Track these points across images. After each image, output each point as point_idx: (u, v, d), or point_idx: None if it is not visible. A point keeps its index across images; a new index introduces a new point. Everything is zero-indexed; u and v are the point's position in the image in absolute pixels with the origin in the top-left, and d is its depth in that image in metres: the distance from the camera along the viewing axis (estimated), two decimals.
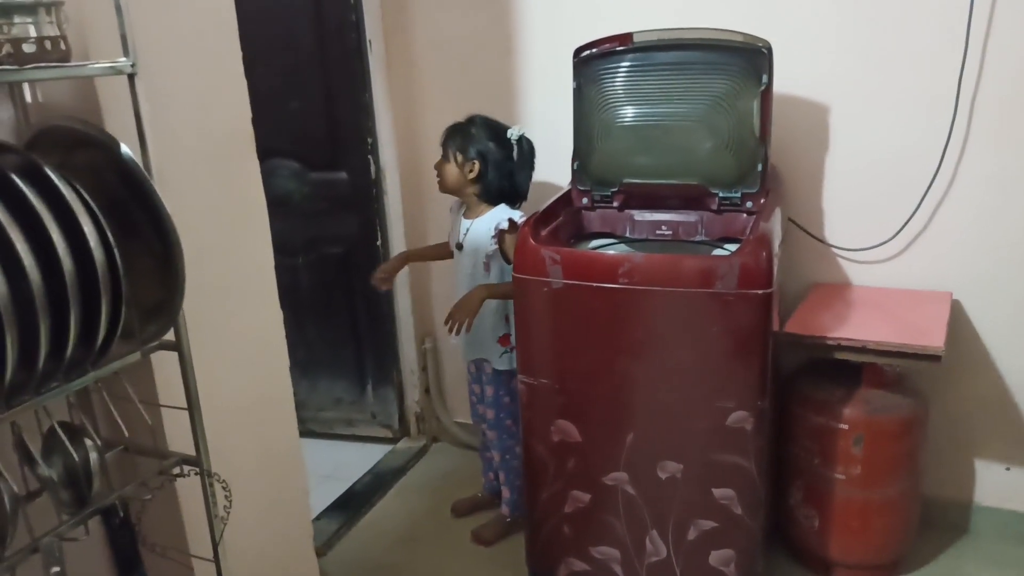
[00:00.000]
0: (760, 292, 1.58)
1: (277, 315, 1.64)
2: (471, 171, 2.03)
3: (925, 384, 1.97)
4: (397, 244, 2.55)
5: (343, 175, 2.53)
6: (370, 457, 2.63)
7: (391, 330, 2.62)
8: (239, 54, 1.51)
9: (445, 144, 2.07)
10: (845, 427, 1.84)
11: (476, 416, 2.27)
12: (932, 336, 1.72)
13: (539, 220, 1.85)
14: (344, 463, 2.60)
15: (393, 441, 2.72)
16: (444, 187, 2.09)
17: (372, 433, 2.73)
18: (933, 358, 1.68)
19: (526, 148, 2.07)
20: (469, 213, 2.08)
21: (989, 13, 1.82)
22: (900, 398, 1.87)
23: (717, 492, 1.72)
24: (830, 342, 1.78)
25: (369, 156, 2.47)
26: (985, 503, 2.11)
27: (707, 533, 1.76)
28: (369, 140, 2.46)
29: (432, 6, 2.36)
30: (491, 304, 2.04)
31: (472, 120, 2.07)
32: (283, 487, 1.68)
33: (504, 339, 2.08)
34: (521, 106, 2.31)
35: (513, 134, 2.04)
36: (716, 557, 1.77)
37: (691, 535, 1.77)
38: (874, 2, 1.91)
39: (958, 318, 1.98)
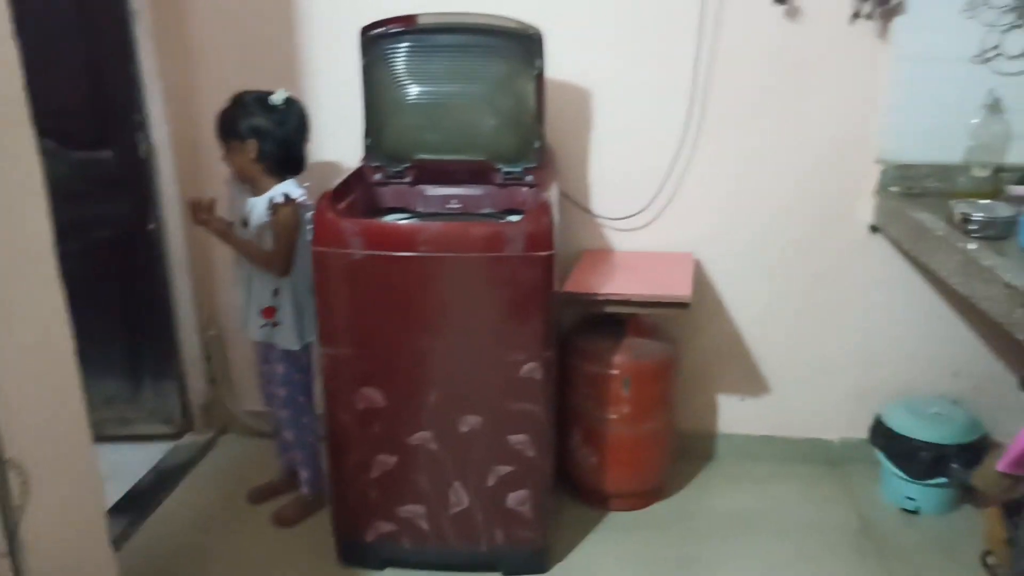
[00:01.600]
0: (543, 254, 1.77)
1: (59, 299, 1.53)
2: (252, 152, 1.98)
3: (676, 331, 2.31)
4: (173, 227, 2.43)
5: (109, 153, 2.36)
6: (151, 455, 2.48)
7: (170, 319, 2.49)
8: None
9: (219, 134, 2.01)
10: (616, 372, 2.10)
11: (267, 398, 2.24)
12: (681, 288, 2.03)
13: (335, 195, 1.89)
14: (121, 464, 2.41)
15: (176, 437, 2.58)
16: (241, 178, 2.04)
17: (151, 431, 2.57)
18: (683, 305, 1.98)
19: (296, 111, 2.03)
20: (257, 191, 2.06)
21: (715, 21, 2.16)
22: (658, 344, 2.18)
23: (512, 439, 1.89)
24: (600, 298, 2.02)
25: (138, 133, 2.33)
26: (725, 431, 2.51)
27: (504, 477, 1.92)
28: (138, 116, 2.32)
29: None
30: (260, 277, 2.04)
31: (236, 100, 2.01)
32: (74, 477, 1.57)
33: (268, 311, 2.06)
34: (308, 81, 2.31)
35: (277, 99, 1.99)
36: (513, 499, 1.94)
37: (490, 481, 1.92)
38: (626, 5, 2.18)
39: (698, 273, 2.33)
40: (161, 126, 2.36)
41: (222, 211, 2.11)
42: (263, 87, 2.03)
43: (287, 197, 1.99)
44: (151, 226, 2.41)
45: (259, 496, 2.29)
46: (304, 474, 2.22)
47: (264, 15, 2.30)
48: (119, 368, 2.54)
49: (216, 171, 2.38)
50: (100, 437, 2.55)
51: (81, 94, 2.30)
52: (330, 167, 2.30)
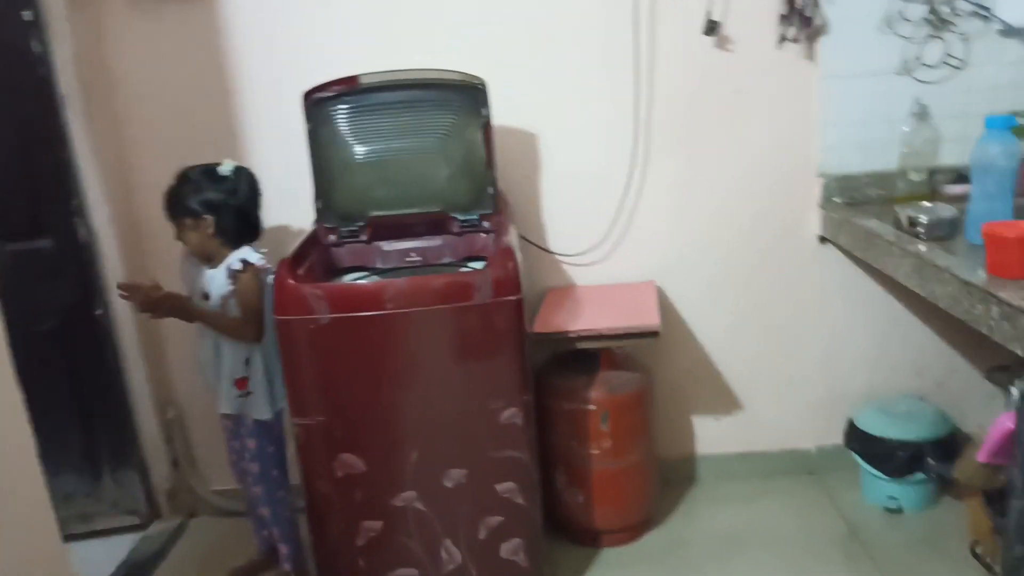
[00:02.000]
0: (512, 298, 1.76)
1: (16, 397, 1.45)
2: (209, 227, 1.94)
3: (648, 360, 2.32)
4: (121, 310, 2.34)
5: (47, 242, 2.28)
6: (118, 550, 2.36)
7: (125, 405, 2.39)
8: None
9: (170, 215, 1.96)
10: (593, 408, 2.09)
11: (239, 475, 2.16)
12: (649, 317, 2.05)
13: (293, 260, 1.85)
14: (88, 562, 2.28)
15: (142, 527, 2.46)
16: (200, 254, 1.99)
17: (115, 524, 2.44)
18: (653, 334, 2.00)
19: (246, 178, 2.00)
20: (214, 263, 2.00)
21: (650, 57, 2.22)
22: (632, 375, 2.18)
23: (499, 487, 1.86)
24: (572, 335, 2.02)
25: (76, 218, 2.26)
26: (703, 452, 2.52)
27: (495, 528, 1.88)
28: (75, 201, 2.25)
29: (133, 59, 2.25)
30: (229, 347, 1.98)
31: (183, 177, 1.96)
32: None
33: (241, 382, 2.00)
34: (249, 150, 2.28)
35: (225, 170, 1.96)
36: (506, 549, 1.90)
37: (481, 534, 1.88)
38: (563, 48, 2.23)
39: (662, 300, 2.35)
40: (100, 209, 2.28)
41: (178, 288, 2.05)
42: (203, 159, 2.00)
43: (245, 263, 1.95)
44: (98, 312, 2.32)
45: None
46: (284, 550, 2.14)
47: (198, 87, 2.27)
48: (76, 462, 2.42)
49: (163, 248, 2.33)
50: (62, 537, 2.45)
51: (13, 184, 2.22)
52: (282, 231, 2.26)
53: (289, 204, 2.18)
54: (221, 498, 2.52)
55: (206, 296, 1.98)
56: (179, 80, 2.27)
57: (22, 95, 2.18)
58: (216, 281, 1.97)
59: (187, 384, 2.46)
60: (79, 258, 2.28)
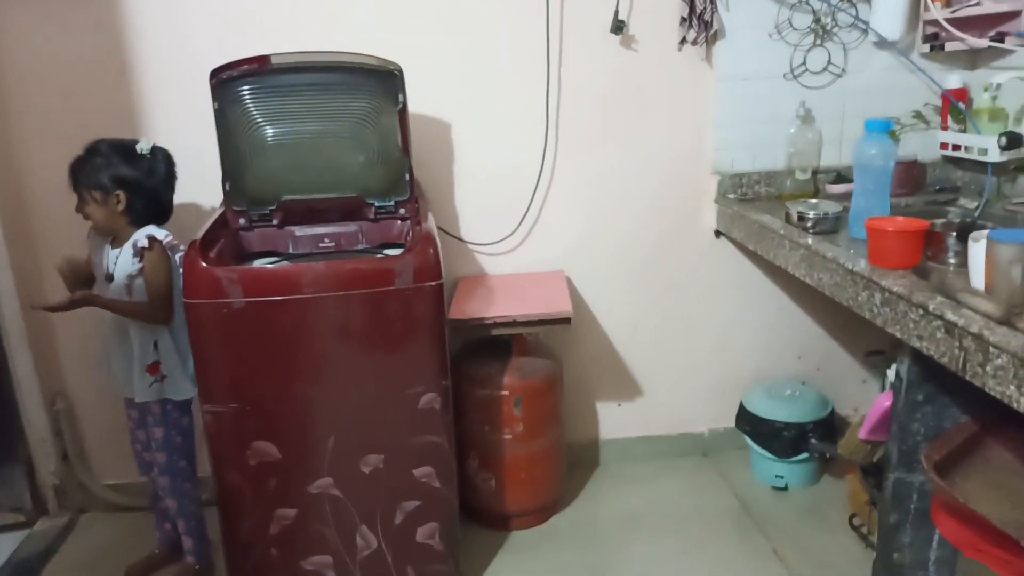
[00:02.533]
0: (433, 284, 1.78)
1: None
2: (118, 203, 1.87)
3: (557, 347, 2.39)
4: (7, 296, 2.20)
5: None
6: (1, 548, 2.22)
7: (10, 397, 2.24)
8: None
9: (76, 185, 1.87)
10: (506, 393, 2.14)
11: (143, 466, 2.08)
12: (561, 304, 2.11)
13: (203, 243, 1.80)
14: None
15: (27, 525, 2.32)
16: (103, 230, 1.91)
17: None
18: (566, 320, 2.07)
19: (163, 159, 1.95)
20: (117, 242, 1.92)
21: (559, 53, 2.29)
22: (543, 361, 2.25)
23: (417, 472, 1.87)
24: (488, 322, 2.06)
25: None
26: (607, 437, 2.63)
27: (411, 513, 1.90)
28: None
29: (18, 29, 2.11)
30: (137, 333, 1.92)
31: (96, 149, 1.89)
32: None
33: (153, 367, 1.93)
34: (146, 130, 2.19)
35: (143, 148, 1.91)
36: (422, 532, 1.92)
37: (398, 519, 1.89)
38: (475, 40, 2.25)
39: (571, 290, 2.43)
40: None
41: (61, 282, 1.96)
42: (95, 136, 1.92)
43: (152, 239, 1.88)
44: None
45: (140, 572, 2.12)
46: (188, 543, 2.07)
47: (90, 64, 2.15)
48: None
49: (51, 232, 2.22)
50: None
51: None
52: (185, 213, 2.18)
53: (192, 187, 2.11)
54: (114, 492, 2.41)
55: (110, 277, 1.90)
56: (69, 56, 2.14)
57: None
58: (122, 261, 1.89)
59: (78, 374, 2.33)
60: None
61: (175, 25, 2.16)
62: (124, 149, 1.89)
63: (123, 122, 2.18)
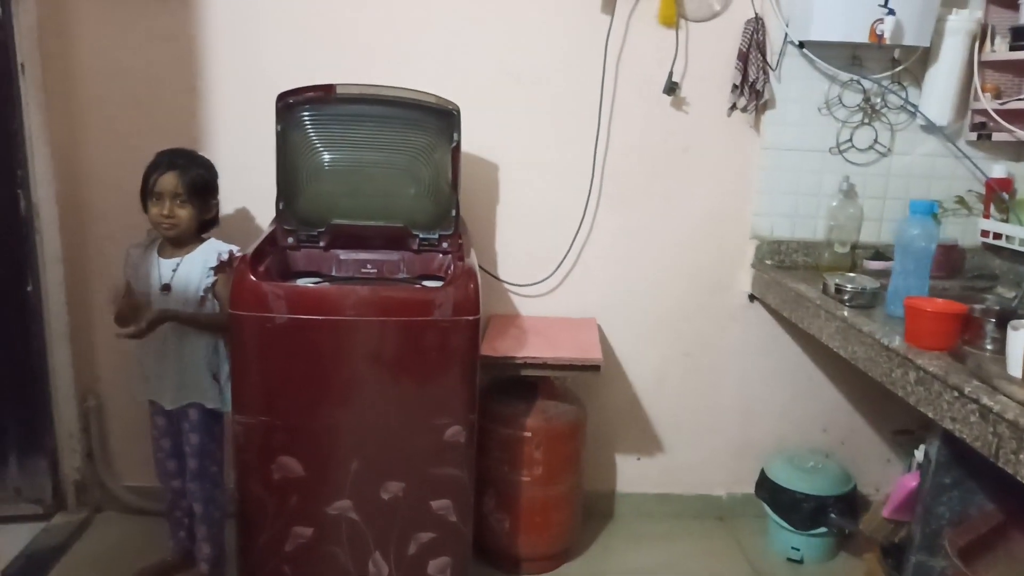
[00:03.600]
0: (470, 318, 1.81)
1: None
2: (209, 212, 1.99)
3: (582, 393, 2.40)
4: (54, 289, 2.26)
5: None
6: (18, 539, 2.24)
7: (44, 389, 2.29)
8: None
9: (188, 188, 1.93)
10: (529, 435, 2.15)
11: (164, 475, 2.10)
12: (592, 351, 2.14)
13: (253, 258, 1.85)
14: None
15: (46, 518, 2.35)
16: (179, 239, 1.97)
17: (16, 512, 2.32)
18: (595, 368, 2.08)
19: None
20: (170, 252, 1.98)
21: (611, 108, 2.35)
22: (567, 406, 2.26)
23: (435, 504, 1.88)
24: (518, 361, 2.08)
25: (19, 191, 2.18)
26: (623, 490, 2.61)
27: (425, 545, 1.90)
28: (20, 172, 2.17)
29: (100, 33, 2.21)
30: (197, 340, 1.97)
31: (189, 155, 1.99)
32: None
33: (217, 374, 2.00)
34: (205, 143, 2.26)
35: None
36: (434, 566, 1.92)
37: (411, 549, 1.89)
38: (535, 91, 2.32)
39: (601, 338, 2.45)
40: (45, 185, 2.22)
41: (110, 279, 2.02)
42: (160, 148, 2.00)
43: (232, 254, 1.97)
44: (28, 288, 2.23)
45: None
46: (206, 550, 2.09)
47: (162, 78, 2.25)
48: None
49: (104, 234, 2.30)
50: None
51: None
52: (231, 224, 2.25)
53: (242, 201, 2.20)
54: (132, 494, 2.43)
55: (166, 287, 1.95)
56: (143, 68, 2.24)
57: None
58: (188, 271, 1.95)
59: (112, 373, 2.38)
60: (16, 232, 2.20)
61: (247, 45, 2.25)
62: (206, 161, 2.03)
63: (185, 133, 2.25)
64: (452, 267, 2.01)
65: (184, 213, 1.94)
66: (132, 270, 2.02)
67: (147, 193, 1.94)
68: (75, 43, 2.21)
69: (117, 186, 2.25)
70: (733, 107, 2.37)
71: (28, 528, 2.30)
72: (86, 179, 2.30)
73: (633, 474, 2.60)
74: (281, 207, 2.07)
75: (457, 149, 2.07)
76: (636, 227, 2.44)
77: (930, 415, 1.53)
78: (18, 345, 2.25)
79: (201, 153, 2.04)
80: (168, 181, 1.93)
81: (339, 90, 2.05)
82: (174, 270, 1.96)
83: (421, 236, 2.10)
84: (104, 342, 2.38)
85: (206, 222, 2.02)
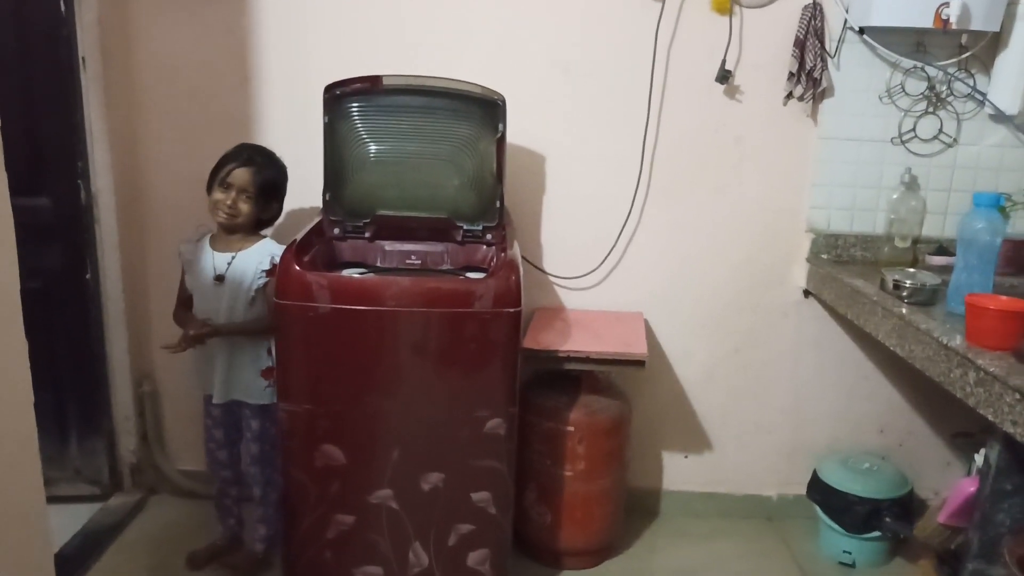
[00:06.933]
0: (512, 310, 1.80)
1: (21, 344, 1.44)
2: (269, 211, 2.04)
3: (627, 388, 2.36)
4: (112, 277, 2.33)
5: (44, 201, 2.27)
6: (76, 518, 2.33)
7: (102, 373, 2.37)
8: None
9: (262, 192, 1.99)
10: (572, 429, 2.13)
11: (214, 464, 2.15)
12: (637, 345, 2.10)
13: (298, 248, 1.88)
14: None
15: (103, 498, 2.43)
16: (234, 225, 2.00)
17: (76, 491, 2.41)
18: (640, 363, 2.05)
19: None
20: (224, 245, 2.02)
21: (661, 97, 2.30)
22: (611, 401, 2.23)
23: (475, 496, 1.88)
24: (561, 355, 2.06)
25: (79, 181, 2.26)
26: (670, 488, 2.57)
27: (465, 536, 1.90)
28: (80, 164, 2.24)
29: (158, 28, 2.26)
30: (249, 342, 2.01)
31: (269, 156, 2.04)
32: (25, 539, 1.47)
33: (267, 372, 2.02)
34: (257, 134, 2.30)
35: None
36: (473, 558, 1.92)
37: (451, 540, 1.90)
38: (583, 81, 2.29)
39: (648, 333, 2.41)
40: (104, 175, 2.28)
41: (166, 268, 2.07)
42: (212, 143, 2.05)
43: None
44: (87, 276, 2.31)
45: (200, 560, 2.17)
46: (262, 531, 2.14)
47: (218, 71, 2.29)
48: (44, 424, 2.35)
49: (160, 225, 2.35)
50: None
51: (21, 138, 2.20)
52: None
53: (290, 192, 2.21)
54: (185, 478, 2.50)
55: (220, 278, 1.99)
56: (200, 62, 2.29)
57: (43, 52, 2.18)
58: (243, 267, 1.98)
59: (166, 360, 2.43)
60: (76, 221, 2.27)
61: (298, 37, 2.27)
62: (275, 159, 2.07)
63: (238, 125, 2.29)
64: (496, 259, 2.00)
65: (246, 208, 1.98)
66: (186, 265, 2.07)
67: (216, 179, 1.98)
68: (134, 38, 2.28)
69: (174, 177, 2.31)
70: (789, 95, 2.29)
71: (87, 508, 2.39)
72: (143, 170, 2.36)
73: (680, 471, 2.56)
74: (328, 198, 2.09)
75: (502, 140, 2.06)
76: (685, 219, 2.39)
77: (990, 418, 1.45)
78: (77, 330, 2.33)
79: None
80: (242, 175, 1.97)
81: (386, 81, 2.06)
82: (229, 263, 1.99)
83: (465, 227, 2.09)
84: (159, 329, 2.44)
85: (263, 220, 2.06)
